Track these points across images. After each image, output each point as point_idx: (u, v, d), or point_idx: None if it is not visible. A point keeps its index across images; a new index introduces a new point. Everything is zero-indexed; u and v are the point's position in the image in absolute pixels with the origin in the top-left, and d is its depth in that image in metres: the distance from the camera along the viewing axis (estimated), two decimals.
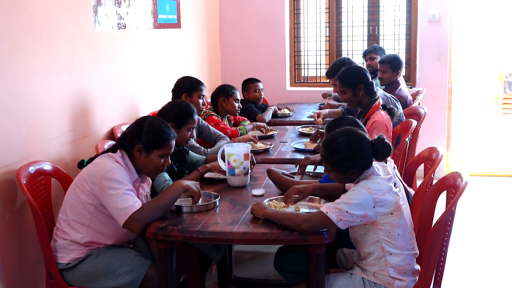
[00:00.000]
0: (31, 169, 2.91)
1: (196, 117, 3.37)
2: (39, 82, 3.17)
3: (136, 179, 2.73)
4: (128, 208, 2.51)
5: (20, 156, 2.99)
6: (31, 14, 3.10)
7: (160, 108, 3.48)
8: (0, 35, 2.84)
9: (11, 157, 2.92)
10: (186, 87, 4.07)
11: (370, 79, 3.84)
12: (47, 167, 3.05)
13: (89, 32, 3.72)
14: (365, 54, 6.12)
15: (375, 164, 2.51)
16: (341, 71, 3.89)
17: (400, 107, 4.52)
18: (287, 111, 5.60)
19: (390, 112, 3.72)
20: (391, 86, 5.31)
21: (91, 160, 2.79)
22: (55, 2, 3.33)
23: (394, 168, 3.05)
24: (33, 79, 3.12)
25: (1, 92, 2.86)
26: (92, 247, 2.70)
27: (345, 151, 2.44)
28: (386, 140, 2.51)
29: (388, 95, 4.60)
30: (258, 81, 5.42)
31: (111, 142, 3.15)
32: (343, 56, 6.44)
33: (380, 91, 4.48)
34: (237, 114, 4.70)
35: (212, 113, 4.45)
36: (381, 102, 3.81)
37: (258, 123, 4.66)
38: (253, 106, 5.25)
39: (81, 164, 2.85)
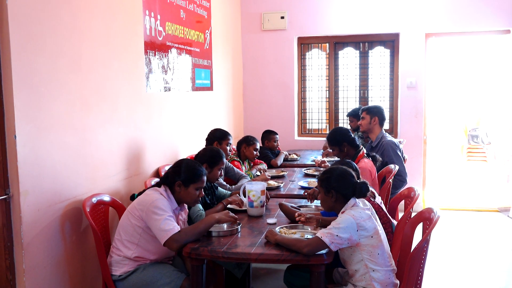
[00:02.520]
0: (94, 200, 2.95)
1: (224, 160, 3.40)
2: (102, 132, 3.23)
3: (176, 208, 2.75)
4: (168, 230, 2.54)
5: (86, 189, 3.03)
6: (98, 80, 3.18)
7: (196, 153, 3.52)
8: (74, 95, 2.92)
9: (78, 190, 2.96)
10: (217, 137, 4.11)
11: (352, 136, 3.88)
12: (106, 198, 3.09)
13: (142, 94, 3.79)
14: (348, 116, 6.01)
15: (358, 200, 2.53)
16: (328, 134, 3.94)
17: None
18: (295, 156, 5.61)
19: (374, 159, 3.76)
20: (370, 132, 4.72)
21: (140, 193, 2.82)
22: (117, 70, 3.41)
23: (381, 203, 3.04)
24: (98, 130, 3.19)
25: (73, 139, 2.92)
26: (140, 262, 2.71)
27: (336, 175, 2.56)
28: (368, 185, 2.58)
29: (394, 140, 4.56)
30: (276, 133, 5.47)
31: (156, 179, 3.18)
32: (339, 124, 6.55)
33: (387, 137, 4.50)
34: (255, 159, 4.72)
35: (235, 158, 4.47)
36: (365, 151, 3.84)
37: (260, 167, 4.63)
38: (269, 152, 5.27)
39: (132, 197, 2.89)
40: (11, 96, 2.43)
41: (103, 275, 2.77)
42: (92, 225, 2.77)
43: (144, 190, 2.83)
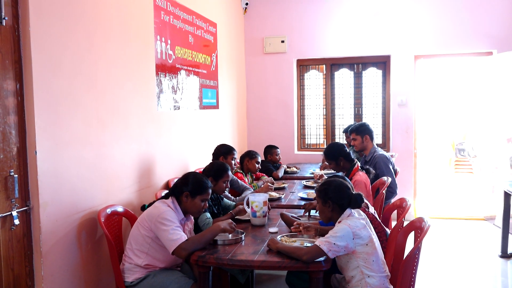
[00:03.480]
0: (108, 210, 2.94)
1: (230, 173, 3.39)
2: (116, 147, 3.23)
3: (182, 219, 2.73)
4: (176, 240, 2.52)
5: (101, 201, 3.02)
6: (112, 99, 3.19)
7: (203, 166, 3.51)
8: (90, 114, 2.92)
9: (94, 202, 2.95)
10: (223, 152, 4.11)
11: (348, 151, 3.87)
12: (120, 209, 3.07)
13: (153, 112, 3.80)
14: (344, 132, 5.99)
15: (353, 210, 2.52)
16: (325, 148, 3.93)
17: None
18: (295, 169, 5.59)
19: (368, 172, 3.75)
20: (364, 150, 4.63)
21: (150, 204, 2.80)
22: (131, 90, 3.42)
23: (374, 213, 3.01)
24: (112, 145, 3.18)
25: (90, 154, 2.92)
26: (150, 269, 2.68)
27: (333, 187, 2.55)
28: (363, 196, 2.57)
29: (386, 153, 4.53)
30: (278, 148, 5.48)
31: (166, 191, 3.17)
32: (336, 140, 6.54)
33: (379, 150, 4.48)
34: (257, 172, 4.70)
35: (238, 171, 4.46)
36: (359, 165, 3.83)
37: (266, 179, 4.60)
38: (270, 165, 5.26)
39: (143, 208, 2.87)
40: (33, 115, 2.44)
41: (116, 281, 2.74)
42: (106, 234, 2.75)
43: (153, 202, 2.81)
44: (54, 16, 2.59)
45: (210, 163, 3.52)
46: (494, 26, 5.92)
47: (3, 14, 2.28)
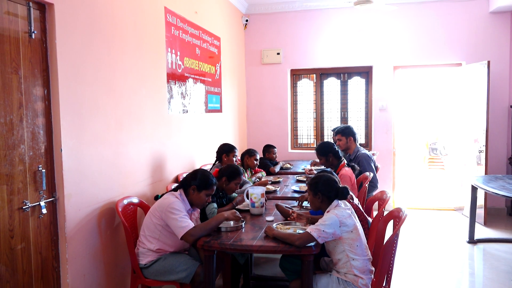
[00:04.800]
0: (125, 201, 2.93)
1: (242, 177, 3.31)
2: (132, 146, 3.22)
3: (189, 209, 2.72)
4: (185, 227, 2.51)
5: (118, 193, 3.01)
6: (129, 104, 3.18)
7: (208, 163, 3.49)
8: (109, 117, 2.91)
9: (113, 193, 2.94)
10: (225, 150, 4.09)
11: (336, 149, 3.86)
12: (135, 200, 3.06)
13: (164, 115, 3.79)
14: (333, 131, 5.97)
15: (340, 201, 2.51)
16: (317, 146, 3.92)
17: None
18: (288, 165, 5.57)
19: (353, 168, 3.75)
20: (348, 149, 4.57)
21: (163, 194, 2.79)
22: (145, 96, 3.41)
23: (358, 204, 3.01)
24: (129, 144, 3.17)
25: (109, 152, 2.91)
26: (161, 253, 2.68)
27: (322, 181, 2.55)
28: (348, 189, 2.56)
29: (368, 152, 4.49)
30: (275, 147, 5.46)
31: (176, 184, 3.16)
32: (325, 139, 6.51)
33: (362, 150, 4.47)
34: (255, 168, 4.69)
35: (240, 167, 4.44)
36: (345, 162, 3.82)
37: (258, 175, 4.53)
38: (268, 162, 5.25)
39: (156, 197, 2.85)
40: (58, 117, 2.43)
41: (132, 263, 2.74)
42: (123, 222, 2.75)
43: (165, 193, 2.81)
44: (77, 30, 2.58)
45: (227, 165, 3.42)
46: (463, 41, 5.92)
47: (32, 28, 2.27)
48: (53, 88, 2.42)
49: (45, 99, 2.39)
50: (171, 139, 3.93)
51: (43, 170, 2.35)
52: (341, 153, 3.95)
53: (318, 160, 4.55)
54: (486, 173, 5.30)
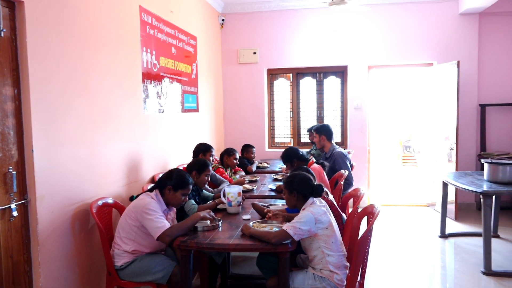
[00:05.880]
0: (100, 202, 2.88)
1: (210, 168, 3.37)
2: (107, 146, 3.17)
3: (165, 209, 2.70)
4: (160, 227, 2.49)
5: (93, 193, 2.96)
6: (103, 103, 3.13)
7: (186, 163, 3.48)
8: (83, 117, 2.86)
9: (87, 195, 2.89)
10: (202, 150, 4.07)
11: (300, 153, 3.87)
12: (110, 201, 3.02)
13: (140, 115, 3.75)
14: (308, 131, 6.04)
15: (315, 199, 2.54)
16: (282, 153, 3.95)
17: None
18: (266, 164, 5.61)
19: (323, 165, 3.81)
20: (323, 147, 4.68)
21: (138, 195, 2.76)
22: (120, 96, 3.36)
23: (333, 200, 3.06)
24: (104, 144, 3.13)
25: (83, 152, 2.86)
26: (137, 254, 2.65)
27: (298, 179, 2.57)
28: (323, 186, 2.60)
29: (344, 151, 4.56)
30: (253, 147, 5.47)
31: (152, 185, 3.13)
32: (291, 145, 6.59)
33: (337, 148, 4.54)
34: (235, 167, 4.70)
35: (220, 166, 4.44)
36: (314, 160, 3.92)
37: (240, 180, 4.53)
38: (246, 161, 5.27)
39: (131, 198, 2.83)
40: (29, 117, 2.37)
41: (107, 265, 2.69)
42: (98, 223, 2.70)
43: (141, 193, 2.78)
44: (49, 28, 2.53)
45: (194, 159, 3.50)
46: (434, 41, 6.08)
47: (1, 26, 2.21)
48: (24, 88, 2.35)
49: (15, 99, 2.32)
50: (147, 139, 3.89)
51: (14, 172, 2.29)
52: (315, 151, 4.01)
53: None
54: (456, 170, 5.46)
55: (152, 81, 3.97)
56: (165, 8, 4.33)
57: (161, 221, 2.51)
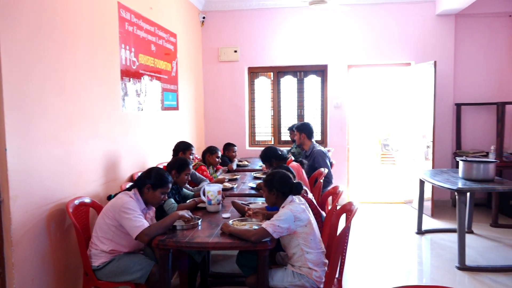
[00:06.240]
0: (76, 202, 2.83)
1: (190, 167, 3.34)
2: (84, 145, 3.12)
3: (144, 208, 2.67)
4: (139, 226, 2.46)
5: (70, 193, 2.90)
6: (81, 101, 3.07)
7: (165, 161, 3.45)
8: (60, 115, 2.81)
9: (63, 194, 2.84)
10: (182, 148, 4.04)
11: (278, 153, 3.89)
12: (87, 200, 2.97)
13: (119, 113, 3.69)
14: (288, 130, 6.07)
15: (295, 197, 2.55)
16: (261, 153, 3.97)
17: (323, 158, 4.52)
18: (246, 163, 5.61)
19: (301, 163, 3.84)
20: (303, 145, 4.72)
21: (116, 194, 2.73)
22: (98, 93, 3.31)
23: (312, 198, 3.08)
24: (81, 143, 3.07)
25: (59, 151, 2.80)
26: (115, 254, 2.61)
27: (277, 177, 2.58)
28: (302, 185, 2.62)
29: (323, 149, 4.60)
30: (235, 146, 5.46)
31: (131, 183, 3.10)
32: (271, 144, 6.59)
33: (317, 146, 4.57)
34: (217, 165, 4.68)
35: (202, 164, 4.41)
36: (293, 158, 3.95)
37: (220, 178, 4.51)
38: (227, 159, 5.26)
39: (109, 197, 2.78)
40: (2, 116, 2.30)
41: (84, 265, 2.65)
42: (74, 223, 2.66)
43: (118, 192, 2.74)
44: (23, 25, 2.46)
45: (174, 157, 3.47)
46: (412, 41, 6.19)
47: None
48: None
49: None
50: (126, 137, 3.84)
51: None
52: (296, 150, 4.03)
53: None
54: (433, 167, 5.58)
55: (131, 78, 3.92)
56: (144, 4, 4.28)
57: (139, 220, 2.49)
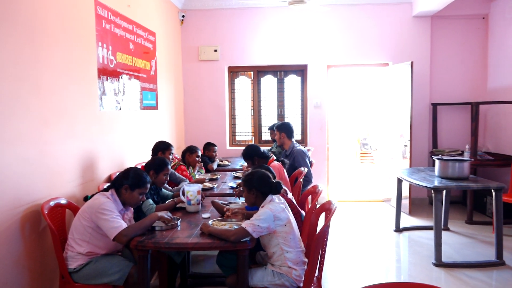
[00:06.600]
0: (52, 203, 2.76)
1: (169, 167, 3.31)
2: (60, 145, 3.05)
3: (122, 209, 2.63)
4: (117, 227, 2.42)
5: (45, 194, 2.84)
6: (57, 101, 3.00)
7: (144, 161, 3.40)
8: (34, 115, 2.74)
9: (38, 195, 2.77)
10: (161, 148, 4.00)
11: (261, 151, 3.92)
12: (63, 201, 2.90)
13: (96, 112, 3.63)
14: (269, 130, 6.09)
15: (274, 196, 2.56)
16: (243, 151, 3.98)
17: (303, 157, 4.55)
18: (226, 162, 5.60)
19: (283, 163, 3.86)
20: (283, 144, 4.75)
21: (92, 195, 2.68)
22: (74, 92, 3.24)
23: (292, 198, 3.10)
24: (56, 143, 3.00)
25: (33, 151, 2.73)
26: (92, 256, 2.56)
27: (256, 177, 2.58)
28: (282, 184, 2.62)
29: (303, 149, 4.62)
30: (215, 145, 5.43)
31: (109, 184, 3.04)
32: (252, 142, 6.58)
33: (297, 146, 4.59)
34: (196, 165, 4.64)
35: (182, 164, 4.37)
36: (274, 158, 3.96)
37: (200, 178, 4.49)
38: (207, 159, 5.23)
39: (86, 198, 2.74)
40: None
41: (60, 268, 2.59)
42: (49, 225, 2.59)
43: (95, 193, 2.69)
44: None
45: (152, 158, 3.43)
46: (390, 42, 6.29)
47: None
48: None
49: None
50: (103, 137, 3.77)
51: None
52: (276, 149, 4.05)
53: None
54: (410, 166, 5.69)
55: (109, 77, 3.86)
56: (122, 2, 4.21)
57: (117, 221, 2.45)
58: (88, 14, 3.52)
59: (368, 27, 6.29)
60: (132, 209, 2.80)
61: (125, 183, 2.60)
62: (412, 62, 5.63)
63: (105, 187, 2.85)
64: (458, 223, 5.30)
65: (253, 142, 6.76)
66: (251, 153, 3.89)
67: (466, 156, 5.43)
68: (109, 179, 3.78)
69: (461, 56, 6.31)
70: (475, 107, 5.32)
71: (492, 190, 4.01)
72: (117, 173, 2.98)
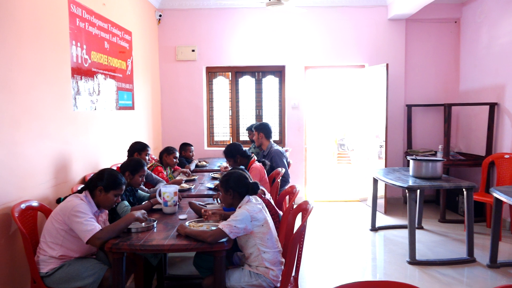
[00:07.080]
0: (23, 206, 2.68)
1: (145, 168, 3.26)
2: (31, 146, 2.97)
3: (96, 211, 2.58)
4: (90, 230, 2.37)
5: (15, 196, 2.76)
6: (28, 100, 2.92)
7: (120, 163, 3.34)
8: (3, 115, 2.65)
9: (8, 198, 2.69)
10: (137, 148, 3.95)
11: (243, 150, 3.93)
12: (35, 204, 2.82)
13: (69, 112, 3.55)
14: (247, 130, 6.10)
15: (251, 197, 2.56)
16: (225, 148, 3.98)
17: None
18: (204, 163, 5.57)
19: (264, 164, 3.87)
20: (261, 144, 4.79)
21: (65, 197, 2.61)
22: (47, 92, 3.16)
23: (270, 198, 3.10)
24: (28, 144, 2.92)
25: (3, 153, 2.65)
26: (65, 259, 2.50)
27: (233, 178, 2.57)
28: (259, 185, 2.63)
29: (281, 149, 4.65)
30: (191, 145, 5.40)
31: (83, 186, 2.98)
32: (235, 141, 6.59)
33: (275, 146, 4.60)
34: (175, 166, 4.60)
35: (158, 165, 4.32)
36: (256, 159, 3.97)
37: (184, 170, 4.57)
38: (184, 160, 5.20)
39: (59, 201, 2.66)
40: None
41: (31, 273, 2.51)
42: (20, 228, 2.52)
43: (68, 195, 2.62)
44: None
45: (128, 159, 3.37)
46: (366, 44, 6.40)
47: None
48: None
49: None
50: (77, 138, 3.69)
51: None
52: (254, 150, 4.05)
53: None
54: (386, 166, 5.79)
55: (83, 77, 3.78)
56: (96, 0, 4.14)
57: (91, 223, 2.40)
58: (61, 12, 3.44)
59: (345, 29, 6.37)
60: (107, 211, 2.75)
61: (100, 185, 2.55)
62: (387, 64, 5.73)
63: (79, 188, 2.79)
64: (432, 222, 5.43)
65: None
66: (234, 151, 3.87)
67: (439, 156, 5.57)
68: (83, 180, 3.70)
69: (434, 59, 6.47)
70: (447, 108, 5.46)
71: (464, 189, 4.13)
72: (92, 175, 2.93)
